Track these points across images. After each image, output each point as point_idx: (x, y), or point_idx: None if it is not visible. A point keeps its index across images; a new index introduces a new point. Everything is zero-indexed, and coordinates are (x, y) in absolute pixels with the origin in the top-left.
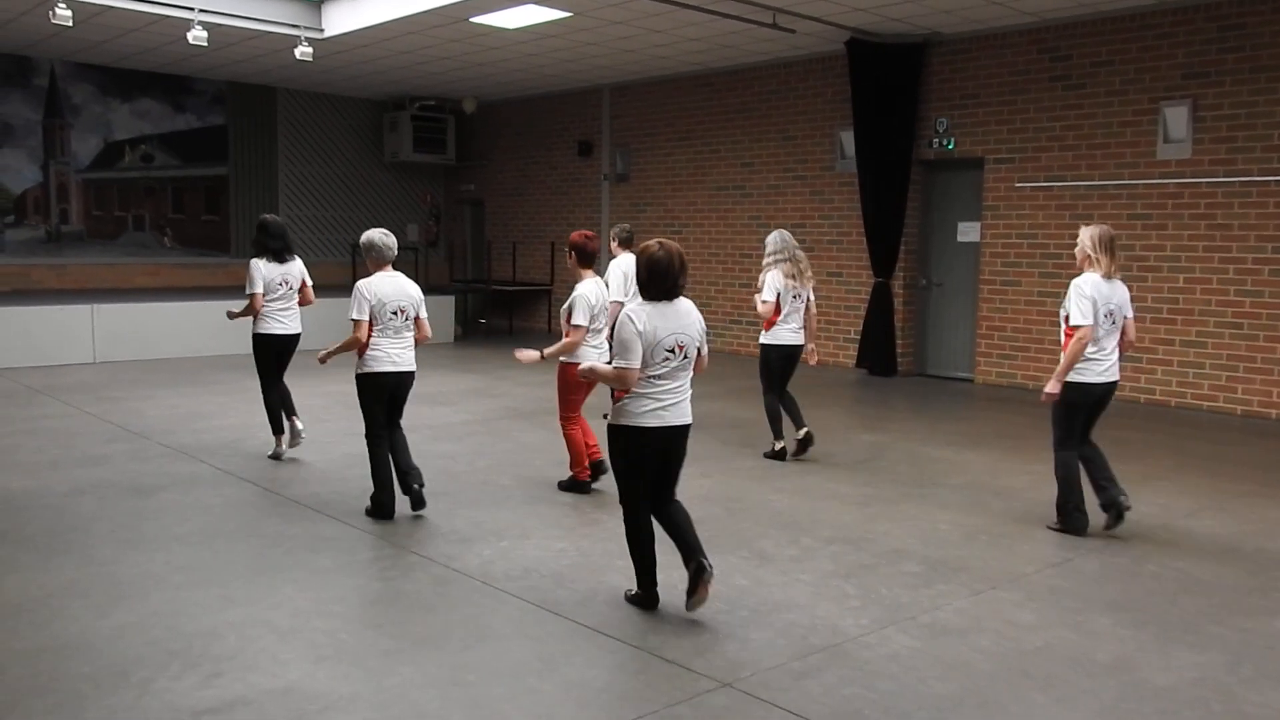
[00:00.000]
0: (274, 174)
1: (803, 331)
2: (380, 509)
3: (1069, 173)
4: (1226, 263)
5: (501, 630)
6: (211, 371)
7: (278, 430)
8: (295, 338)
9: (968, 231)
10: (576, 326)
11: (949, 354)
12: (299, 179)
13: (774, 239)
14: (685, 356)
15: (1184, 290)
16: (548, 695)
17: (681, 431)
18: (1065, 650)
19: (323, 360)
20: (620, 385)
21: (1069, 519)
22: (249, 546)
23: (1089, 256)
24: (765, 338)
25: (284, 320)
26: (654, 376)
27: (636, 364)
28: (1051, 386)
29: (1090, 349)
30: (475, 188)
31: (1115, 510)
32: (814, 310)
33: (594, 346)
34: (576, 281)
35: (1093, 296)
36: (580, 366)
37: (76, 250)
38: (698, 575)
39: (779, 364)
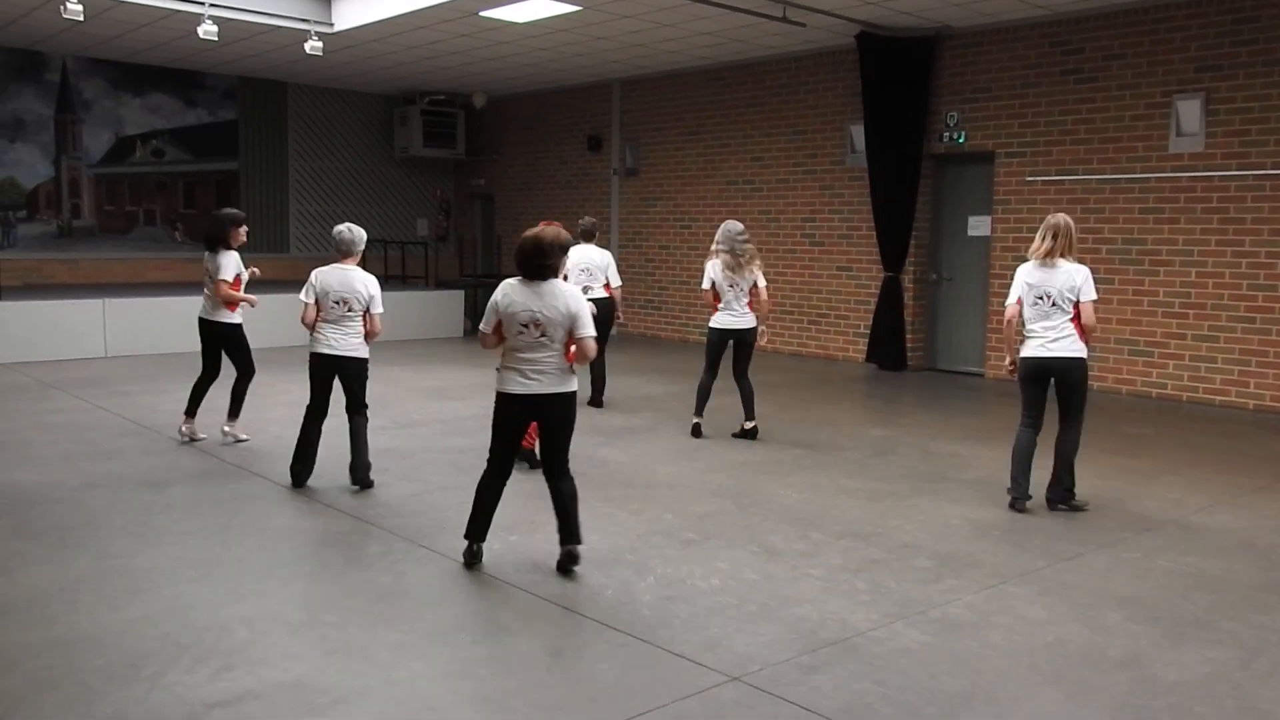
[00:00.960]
0: (284, 169)
1: (745, 316)
2: (294, 477)
3: (1080, 166)
4: (1239, 256)
5: (511, 624)
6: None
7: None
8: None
9: (978, 226)
10: None
11: (959, 348)
12: (309, 174)
13: (719, 231)
14: (543, 334)
15: (1196, 284)
16: (557, 689)
17: (546, 400)
18: (1076, 646)
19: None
20: (480, 345)
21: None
22: (259, 540)
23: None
24: (710, 321)
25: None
26: (513, 349)
27: (487, 329)
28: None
29: (1027, 328)
30: (485, 182)
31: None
32: (764, 296)
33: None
34: None
35: (1023, 281)
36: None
37: (88, 245)
38: (567, 560)
39: (717, 346)
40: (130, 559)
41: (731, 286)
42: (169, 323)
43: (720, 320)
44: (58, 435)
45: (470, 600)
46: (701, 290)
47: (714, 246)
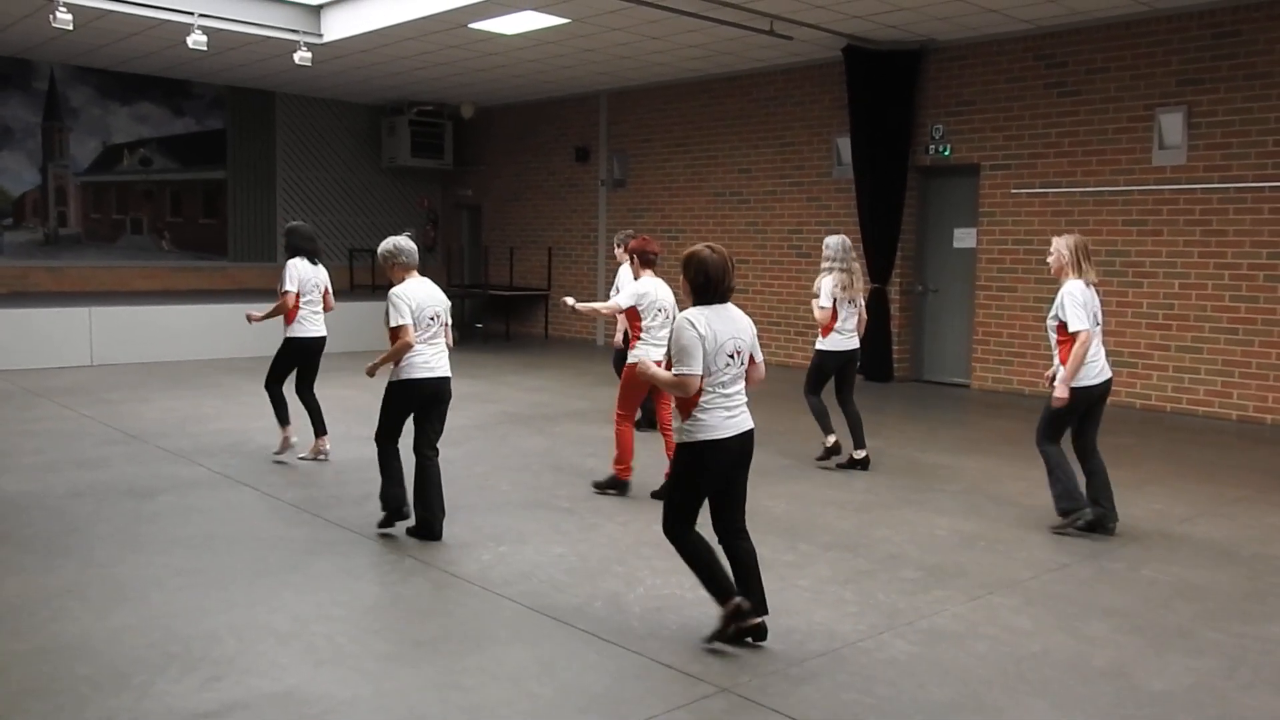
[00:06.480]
0: (272, 178)
1: (854, 337)
2: (393, 506)
3: (1065, 179)
4: (1221, 268)
5: (500, 635)
6: (209, 374)
7: (285, 421)
8: (324, 341)
9: (964, 238)
10: (614, 304)
11: (945, 359)
12: (297, 183)
13: (834, 245)
14: (741, 362)
15: (1179, 295)
16: (546, 700)
17: (751, 437)
18: (1062, 655)
19: (371, 373)
20: (679, 392)
21: (1075, 511)
22: (247, 550)
23: (1065, 265)
24: (822, 344)
25: (316, 324)
26: (720, 385)
27: (698, 370)
28: (1061, 391)
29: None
30: (472, 193)
31: (1100, 529)
32: (864, 315)
33: (653, 344)
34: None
35: (1083, 305)
36: (638, 366)
37: (74, 253)
38: (751, 633)
39: (830, 371)
40: (118, 567)
41: (849, 304)
42: (155, 331)
43: (835, 343)
44: (43, 443)
45: (459, 611)
46: (821, 309)
47: (828, 263)
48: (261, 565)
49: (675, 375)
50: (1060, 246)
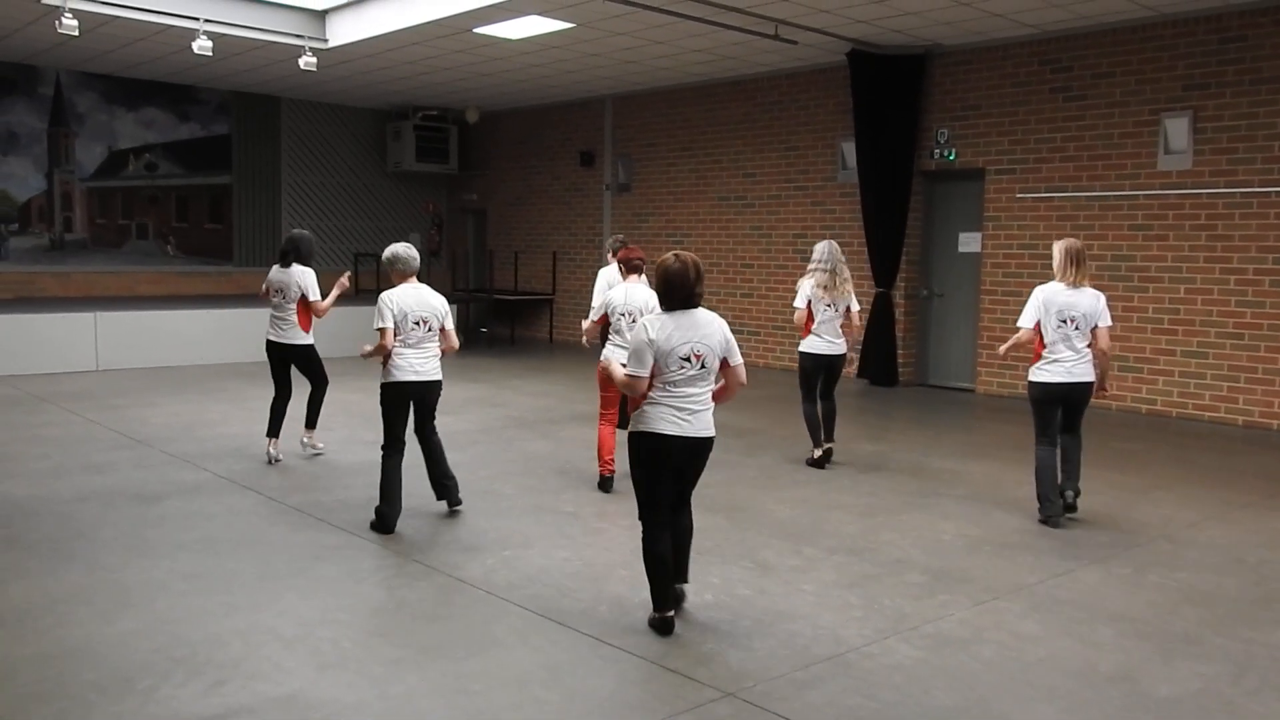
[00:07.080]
0: (277, 183)
1: (839, 342)
2: (383, 522)
3: (1070, 183)
4: (1227, 273)
5: (505, 639)
6: (214, 379)
7: (271, 433)
8: (284, 347)
9: (969, 242)
10: (590, 320)
11: (950, 364)
12: (302, 188)
13: (821, 249)
14: (703, 366)
15: (1185, 300)
16: (552, 705)
17: (703, 444)
18: (1068, 661)
19: (364, 355)
20: (628, 392)
21: (1041, 506)
22: (253, 554)
23: (1056, 268)
24: (801, 345)
25: (274, 328)
26: (671, 384)
27: (644, 373)
28: (1001, 348)
29: (1046, 351)
30: (477, 197)
31: (1060, 498)
32: (857, 321)
33: (616, 346)
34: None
35: (1041, 303)
36: (600, 361)
37: (80, 258)
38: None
39: (813, 373)
40: (124, 572)
41: (827, 307)
42: (161, 336)
43: (813, 345)
44: (49, 448)
45: (464, 615)
46: (795, 310)
47: (812, 265)
48: (266, 569)
49: (624, 375)
50: (1054, 249)
